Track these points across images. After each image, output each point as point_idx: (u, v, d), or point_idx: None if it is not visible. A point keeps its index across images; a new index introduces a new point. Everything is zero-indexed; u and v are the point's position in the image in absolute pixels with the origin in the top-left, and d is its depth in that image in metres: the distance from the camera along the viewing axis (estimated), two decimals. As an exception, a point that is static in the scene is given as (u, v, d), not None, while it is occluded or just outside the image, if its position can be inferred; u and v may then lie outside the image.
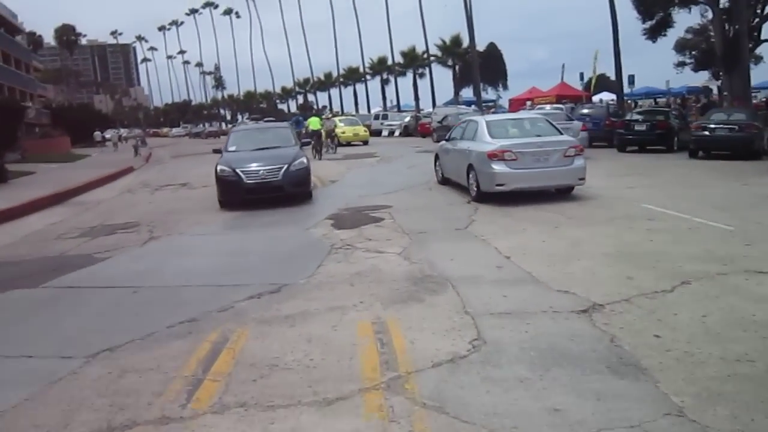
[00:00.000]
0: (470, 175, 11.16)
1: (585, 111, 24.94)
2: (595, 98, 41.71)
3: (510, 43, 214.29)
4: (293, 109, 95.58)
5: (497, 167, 10.32)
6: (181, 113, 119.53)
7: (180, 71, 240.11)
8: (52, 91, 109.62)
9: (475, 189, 10.97)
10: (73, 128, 49.44)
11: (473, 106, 41.08)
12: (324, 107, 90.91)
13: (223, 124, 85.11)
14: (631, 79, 37.10)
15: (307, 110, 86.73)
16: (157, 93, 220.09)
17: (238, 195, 11.92)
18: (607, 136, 22.06)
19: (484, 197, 10.77)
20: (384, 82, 71.13)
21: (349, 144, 31.05)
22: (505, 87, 66.46)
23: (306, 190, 12.61)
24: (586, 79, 42.14)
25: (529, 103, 42.08)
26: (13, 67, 47.87)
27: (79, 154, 34.92)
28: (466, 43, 52.33)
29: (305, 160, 12.50)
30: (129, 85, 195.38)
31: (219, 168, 12.03)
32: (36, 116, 53.14)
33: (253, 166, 11.82)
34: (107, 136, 47.41)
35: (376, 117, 48.21)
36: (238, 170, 11.73)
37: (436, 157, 14.23)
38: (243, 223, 10.72)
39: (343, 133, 30.98)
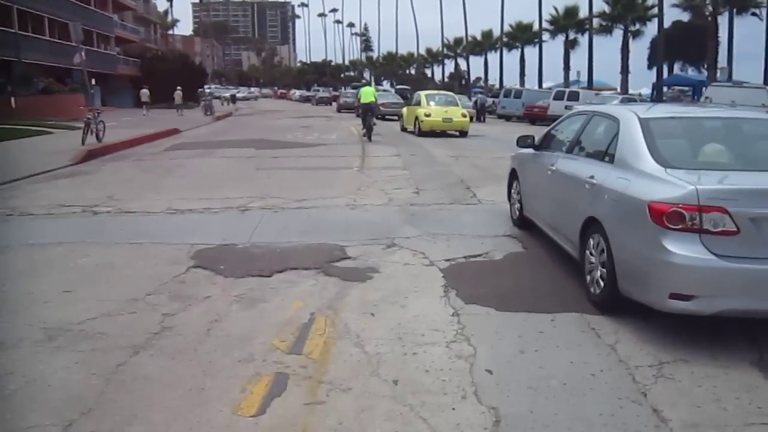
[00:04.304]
0: (591, 241, 4.60)
1: None
2: None
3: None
4: (438, 76, 79.00)
5: (681, 250, 3.69)
6: (319, 74, 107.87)
7: (330, 32, 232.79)
8: (199, 44, 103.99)
9: (602, 282, 4.36)
10: (160, 83, 39.94)
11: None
12: (479, 79, 73.44)
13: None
14: None
15: (456, 80, 70.37)
16: (307, 53, 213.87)
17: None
18: None
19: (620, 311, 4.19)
20: (570, 45, 47.38)
21: (443, 134, 21.05)
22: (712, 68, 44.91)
23: None
24: None
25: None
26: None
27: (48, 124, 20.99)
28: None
29: None
30: (284, 44, 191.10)
31: None
32: (104, 64, 41.99)
33: None
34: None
35: (558, 96, 29.81)
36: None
37: (513, 175, 7.19)
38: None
39: (428, 116, 20.86)
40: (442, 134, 21.18)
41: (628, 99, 26.95)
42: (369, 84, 26.48)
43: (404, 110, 24.17)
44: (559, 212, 5.56)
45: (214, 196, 8.71)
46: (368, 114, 18.87)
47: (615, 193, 4.34)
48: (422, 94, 23.09)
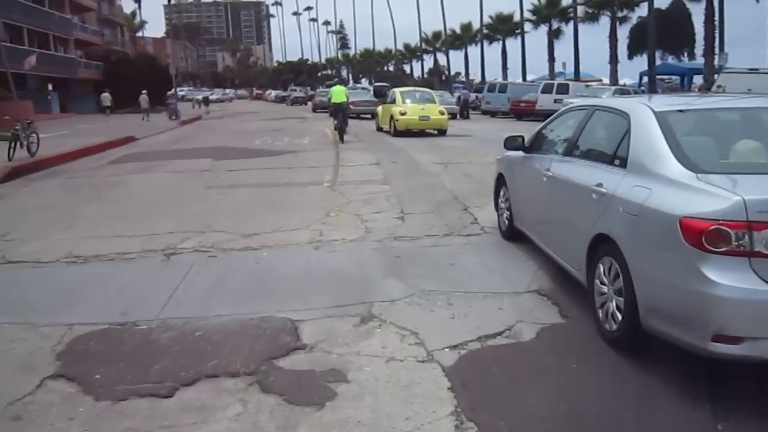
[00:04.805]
0: (602, 266, 3.82)
1: None
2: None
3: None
4: (417, 72, 77.00)
5: (727, 280, 2.92)
6: (295, 73, 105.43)
7: (306, 31, 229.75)
8: (170, 45, 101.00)
9: (618, 315, 3.61)
10: (126, 87, 38.53)
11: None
12: (458, 74, 71.97)
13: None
14: None
15: (436, 75, 68.59)
16: (283, 52, 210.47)
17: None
18: None
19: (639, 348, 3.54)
20: (554, 35, 45.20)
21: (424, 134, 19.86)
22: (692, 56, 44.37)
23: None
24: None
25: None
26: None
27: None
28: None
29: None
30: (259, 44, 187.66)
31: None
32: (63, 68, 39.46)
33: None
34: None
35: (547, 90, 28.08)
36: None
37: (500, 181, 6.55)
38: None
39: (403, 114, 19.71)
40: (423, 134, 19.64)
41: (621, 90, 25.34)
42: (346, 82, 24.97)
43: (379, 109, 23.11)
44: (558, 227, 4.79)
45: (139, 231, 6.69)
46: (340, 114, 17.93)
47: (632, 205, 3.55)
48: (397, 91, 21.85)
